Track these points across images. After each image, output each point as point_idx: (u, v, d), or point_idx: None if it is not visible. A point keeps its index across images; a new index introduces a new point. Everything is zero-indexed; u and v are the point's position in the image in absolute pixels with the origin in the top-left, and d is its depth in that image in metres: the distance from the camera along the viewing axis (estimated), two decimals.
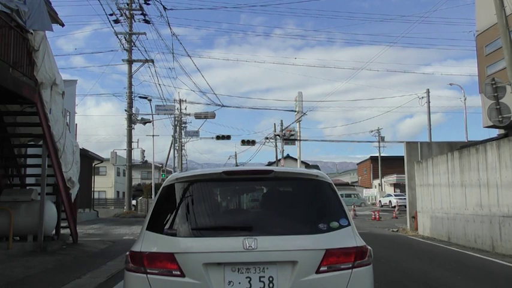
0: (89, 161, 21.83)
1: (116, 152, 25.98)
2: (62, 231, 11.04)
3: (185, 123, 50.50)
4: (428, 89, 26.90)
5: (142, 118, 27.34)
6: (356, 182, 72.30)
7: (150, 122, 28.23)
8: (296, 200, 3.19)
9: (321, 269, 2.77)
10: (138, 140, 26.20)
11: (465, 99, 26.56)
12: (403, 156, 16.61)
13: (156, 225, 2.95)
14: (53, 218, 10.00)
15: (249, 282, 2.72)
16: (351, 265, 2.81)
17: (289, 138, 34.67)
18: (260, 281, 2.72)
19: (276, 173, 3.16)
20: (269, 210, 3.33)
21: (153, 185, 36.37)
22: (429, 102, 26.78)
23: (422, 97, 26.92)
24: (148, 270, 2.74)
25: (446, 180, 12.89)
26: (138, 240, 2.95)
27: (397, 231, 16.32)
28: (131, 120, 25.96)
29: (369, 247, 2.96)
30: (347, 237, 2.90)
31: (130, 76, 26.01)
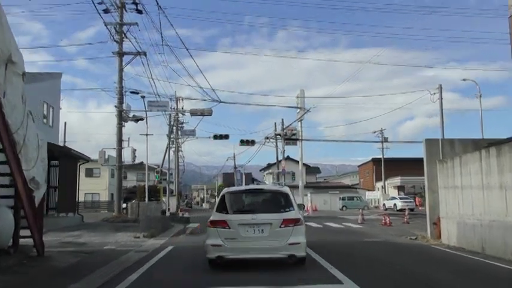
0: (73, 161, 19.97)
1: (104, 151, 24.07)
2: (23, 241, 9.17)
3: (182, 123, 48.68)
4: (440, 85, 25.16)
5: (134, 115, 25.48)
6: (357, 184, 70.52)
7: (142, 119, 26.33)
8: (273, 199, 8.50)
9: (281, 226, 7.70)
10: (128, 138, 24.25)
11: (480, 96, 24.86)
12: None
13: (219, 209, 8.15)
14: (8, 227, 8.15)
15: (253, 231, 7.70)
16: (293, 225, 7.74)
17: (290, 138, 32.82)
18: (258, 230, 7.70)
19: (263, 189, 9.70)
20: (261, 204, 8.49)
21: (146, 187, 34.47)
22: (441, 98, 25.01)
23: (434, 93, 25.17)
24: (216, 226, 7.84)
25: (479, 181, 11.06)
26: (212, 215, 8.07)
27: (415, 239, 14.49)
28: (121, 117, 24.11)
29: (301, 217, 8.08)
30: (293, 214, 7.89)
31: (120, 70, 24.18)
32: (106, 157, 30.01)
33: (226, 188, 9.05)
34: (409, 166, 55.14)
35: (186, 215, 25.05)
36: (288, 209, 7.95)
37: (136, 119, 25.64)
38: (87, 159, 20.69)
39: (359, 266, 8.71)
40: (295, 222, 7.77)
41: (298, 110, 34.23)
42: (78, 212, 20.60)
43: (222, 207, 8.13)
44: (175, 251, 11.24)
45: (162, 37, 37.54)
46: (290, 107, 30.66)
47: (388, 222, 20.71)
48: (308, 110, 28.17)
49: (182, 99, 42.68)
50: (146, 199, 33.47)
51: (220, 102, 24.43)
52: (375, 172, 59.60)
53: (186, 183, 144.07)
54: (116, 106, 23.86)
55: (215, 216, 7.99)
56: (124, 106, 24.59)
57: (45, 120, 20.29)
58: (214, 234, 7.81)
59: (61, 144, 31.95)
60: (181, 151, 60.85)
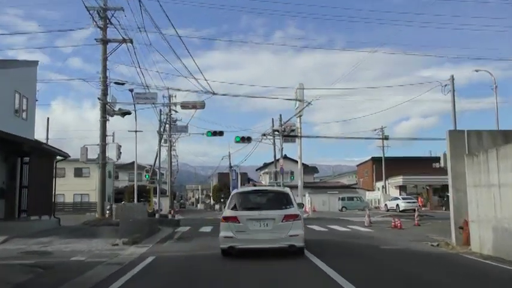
0: (48, 157, 17.88)
1: (86, 148, 21.91)
2: None
3: (175, 121, 46.66)
4: (452, 75, 23.25)
5: (120, 109, 23.40)
6: (355, 184, 68.75)
7: (129, 113, 24.25)
8: (275, 198, 9.83)
9: (283, 220, 9.10)
10: (113, 133, 22.09)
11: (496, 87, 23.11)
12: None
13: (230, 207, 9.58)
14: None
15: (260, 224, 9.10)
16: (293, 220, 9.14)
17: (289, 135, 30.85)
18: (263, 224, 9.11)
19: (268, 190, 11.07)
20: (266, 202, 9.75)
21: (135, 187, 32.47)
22: (453, 90, 23.09)
23: (446, 85, 23.26)
24: (228, 221, 9.28)
25: None
26: (224, 212, 9.74)
27: (437, 245, 12.59)
28: (105, 111, 22.06)
29: (300, 213, 9.58)
30: (293, 211, 9.32)
31: (104, 58, 22.12)
32: (95, 156, 27.97)
33: (235, 189, 10.86)
34: (410, 165, 53.40)
35: (177, 217, 22.95)
36: (288, 206, 9.44)
37: (123, 113, 23.56)
38: (65, 156, 18.60)
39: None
40: (295, 217, 9.27)
41: (297, 105, 32.32)
42: (54, 214, 18.46)
43: (233, 205, 9.58)
44: (156, 264, 9.21)
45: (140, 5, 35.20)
46: (289, 99, 28.67)
47: (398, 224, 18.80)
48: (309, 103, 26.24)
49: (175, 96, 40.73)
50: (135, 200, 31.46)
51: (214, 94, 22.43)
52: (375, 171, 57.73)
53: (182, 183, 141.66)
54: (99, 98, 21.83)
55: (227, 212, 9.51)
56: (109, 98, 22.56)
57: (17, 113, 18.14)
58: (226, 227, 9.30)
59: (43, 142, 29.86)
60: (175, 150, 58.83)
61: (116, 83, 22.31)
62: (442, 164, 23.89)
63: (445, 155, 23.84)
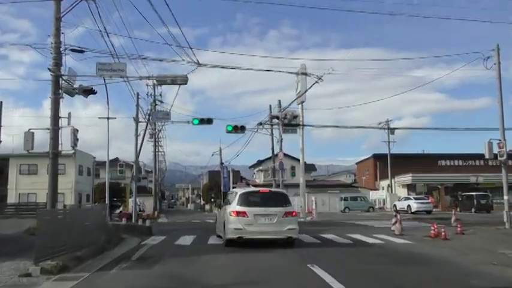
0: None
1: (32, 133, 16.88)
2: None
3: (161, 111, 41.89)
4: (497, 44, 18.68)
5: (80, 85, 18.45)
6: (355, 183, 64.41)
7: (94, 92, 19.28)
8: (276, 197, 12.20)
9: (283, 216, 11.43)
10: (69, 114, 17.05)
11: None
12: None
13: (239, 203, 11.60)
14: None
15: (265, 219, 11.34)
16: (291, 216, 11.70)
17: (290, 123, 26.15)
18: (267, 219, 11.35)
19: (270, 191, 13.53)
20: (269, 200, 11.88)
21: (107, 184, 27.80)
22: (499, 63, 18.47)
23: (488, 57, 18.65)
24: (238, 215, 11.34)
25: None
26: (235, 208, 11.56)
27: None
28: (59, 86, 17.09)
29: (296, 210, 13.09)
30: (291, 208, 11.84)
31: (58, 18, 16.90)
32: (68, 147, 22.97)
33: (242, 189, 13.07)
34: (414, 163, 49.04)
35: (148, 223, 17.91)
36: (287, 205, 11.75)
37: (85, 90, 18.55)
38: None
39: None
40: (292, 214, 11.74)
41: (299, 89, 27.65)
42: None
43: (241, 202, 11.55)
44: None
45: None
46: (292, 73, 23.91)
47: (443, 233, 14.09)
48: (320, 78, 21.36)
49: (161, 87, 35.95)
50: (106, 199, 26.67)
51: (199, 65, 17.59)
52: (379, 169, 53.18)
53: (173, 183, 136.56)
54: (49, 69, 16.81)
55: (237, 208, 11.44)
56: (65, 71, 17.58)
57: None
58: (236, 221, 11.28)
59: None
60: (161, 146, 53.91)
61: (72, 50, 17.31)
62: (487, 156, 19.49)
63: (490, 143, 19.46)
